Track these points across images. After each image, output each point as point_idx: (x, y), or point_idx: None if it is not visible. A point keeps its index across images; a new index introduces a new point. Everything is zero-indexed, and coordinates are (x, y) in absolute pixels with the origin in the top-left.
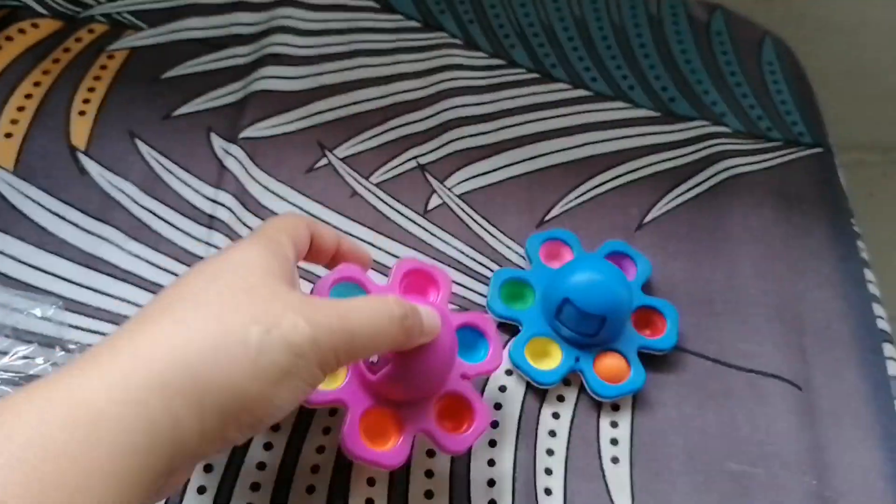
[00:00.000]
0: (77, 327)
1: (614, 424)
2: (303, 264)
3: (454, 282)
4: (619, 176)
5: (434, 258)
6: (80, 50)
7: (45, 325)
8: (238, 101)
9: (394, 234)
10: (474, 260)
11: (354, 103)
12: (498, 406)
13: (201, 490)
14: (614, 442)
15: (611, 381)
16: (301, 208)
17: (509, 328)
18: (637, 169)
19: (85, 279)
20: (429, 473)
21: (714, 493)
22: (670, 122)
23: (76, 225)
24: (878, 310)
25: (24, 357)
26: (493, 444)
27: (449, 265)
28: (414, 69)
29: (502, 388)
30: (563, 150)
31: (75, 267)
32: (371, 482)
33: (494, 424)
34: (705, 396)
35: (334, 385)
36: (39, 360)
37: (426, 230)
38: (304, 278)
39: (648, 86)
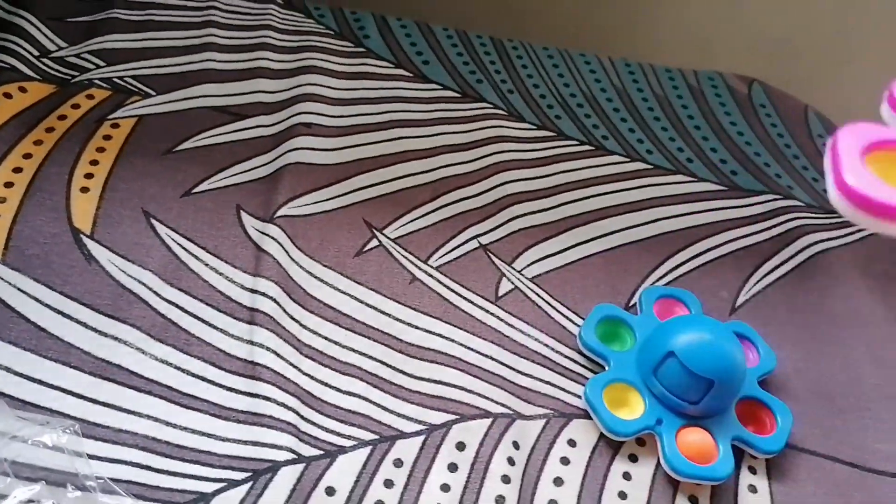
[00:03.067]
0: (95, 457)
1: None
2: None
3: (539, 379)
4: (699, 255)
5: (513, 352)
6: (78, 118)
7: (56, 457)
8: (269, 175)
9: (465, 324)
10: (560, 353)
11: (399, 178)
12: (565, 461)
13: None
14: None
15: (692, 459)
16: (355, 297)
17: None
18: (715, 247)
19: (100, 393)
20: None
21: None
22: (738, 196)
23: (85, 325)
24: None
25: (29, 501)
26: None
27: (532, 360)
28: (459, 141)
29: (571, 443)
30: (633, 227)
31: (87, 378)
32: None
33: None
34: None
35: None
36: None
37: (501, 319)
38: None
39: (707, 159)
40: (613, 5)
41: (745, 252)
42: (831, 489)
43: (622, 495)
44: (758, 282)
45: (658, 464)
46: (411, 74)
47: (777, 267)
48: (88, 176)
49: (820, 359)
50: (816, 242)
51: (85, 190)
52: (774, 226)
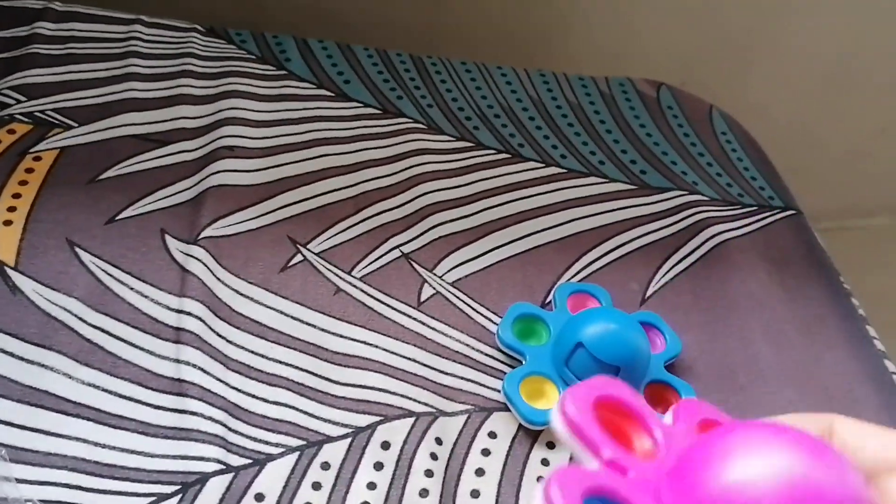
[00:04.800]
0: (25, 481)
1: None
2: None
3: (460, 377)
4: (610, 251)
5: (436, 353)
6: None
7: None
8: (193, 198)
9: (388, 330)
10: (480, 352)
11: (322, 194)
12: (486, 452)
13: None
14: None
15: None
16: (280, 311)
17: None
18: (625, 243)
19: (28, 419)
20: None
21: None
22: (647, 194)
23: (11, 354)
24: (890, 366)
25: None
26: (475, 494)
27: (454, 360)
28: (380, 155)
29: (492, 435)
30: (548, 228)
31: (14, 405)
32: None
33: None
34: None
35: None
36: None
37: (423, 323)
38: None
39: (618, 160)
40: (529, 20)
41: (654, 246)
42: None
43: (541, 480)
44: (665, 273)
45: None
46: (333, 94)
47: (683, 258)
48: (11, 209)
49: (721, 341)
50: (719, 233)
51: (8, 223)
52: (681, 220)
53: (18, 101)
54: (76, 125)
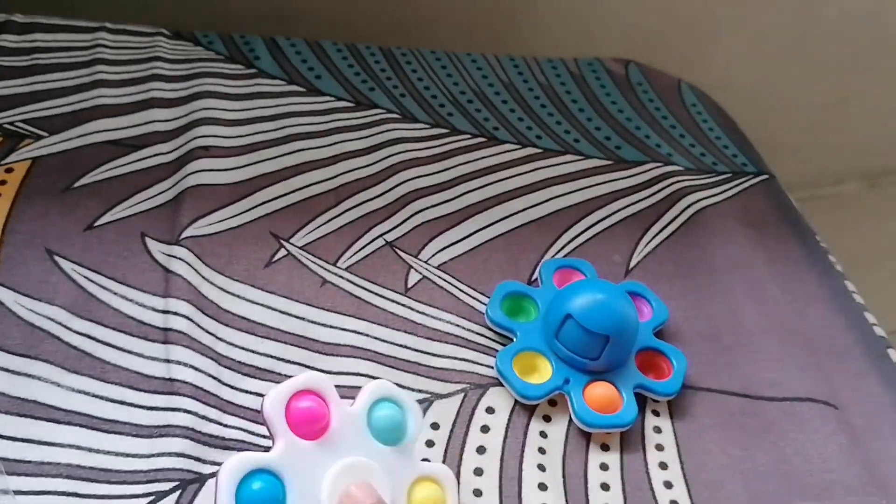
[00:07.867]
0: (20, 492)
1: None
2: None
3: (453, 357)
4: (592, 226)
5: (426, 337)
6: None
7: None
8: (171, 199)
9: (377, 318)
10: (471, 331)
11: (302, 188)
12: (485, 429)
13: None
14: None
15: (599, 411)
16: (268, 306)
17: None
18: (606, 217)
19: (19, 430)
20: None
21: None
22: (623, 168)
23: None
24: (870, 318)
25: None
26: (478, 472)
27: (445, 341)
28: (357, 147)
29: (490, 410)
30: (529, 207)
31: (3, 417)
32: None
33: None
34: (747, 435)
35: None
36: None
37: (412, 309)
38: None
39: (592, 137)
40: (496, 7)
41: (634, 218)
42: (727, 419)
43: (542, 451)
44: (647, 243)
45: (570, 419)
46: (304, 89)
47: (663, 228)
48: None
49: (706, 305)
50: (697, 201)
51: None
52: (658, 191)
53: None
54: (47, 135)
